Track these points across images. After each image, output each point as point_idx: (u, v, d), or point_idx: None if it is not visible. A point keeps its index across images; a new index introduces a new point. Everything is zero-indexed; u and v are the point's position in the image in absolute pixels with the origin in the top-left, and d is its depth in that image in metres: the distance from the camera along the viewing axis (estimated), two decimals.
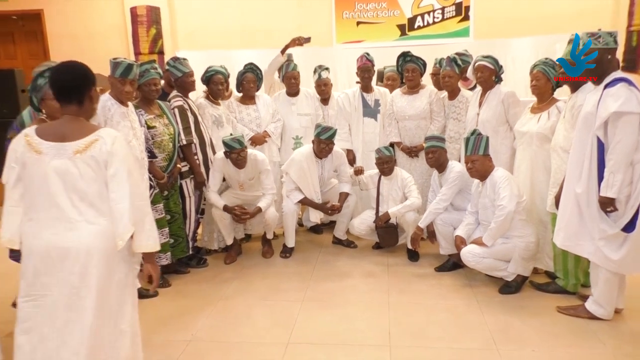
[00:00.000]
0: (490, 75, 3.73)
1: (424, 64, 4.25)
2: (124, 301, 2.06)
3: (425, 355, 2.64)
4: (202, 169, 3.87)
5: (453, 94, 4.11)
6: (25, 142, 1.94)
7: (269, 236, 4.20)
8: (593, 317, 2.90)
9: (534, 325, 2.90)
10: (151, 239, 2.06)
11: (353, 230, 4.22)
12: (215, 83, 4.03)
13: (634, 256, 2.66)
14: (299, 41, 4.59)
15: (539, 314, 3.02)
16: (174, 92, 3.85)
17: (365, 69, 4.35)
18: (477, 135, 3.35)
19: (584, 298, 3.03)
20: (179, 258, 3.77)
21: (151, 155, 3.39)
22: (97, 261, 1.93)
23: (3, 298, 3.15)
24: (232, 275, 3.79)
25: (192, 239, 3.90)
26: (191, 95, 3.95)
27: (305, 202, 4.18)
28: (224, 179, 4.00)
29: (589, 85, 2.88)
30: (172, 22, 7.20)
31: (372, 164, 4.20)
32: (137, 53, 6.86)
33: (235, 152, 3.74)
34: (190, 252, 3.89)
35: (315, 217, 4.28)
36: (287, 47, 4.54)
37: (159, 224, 3.29)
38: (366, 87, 4.44)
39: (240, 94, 4.38)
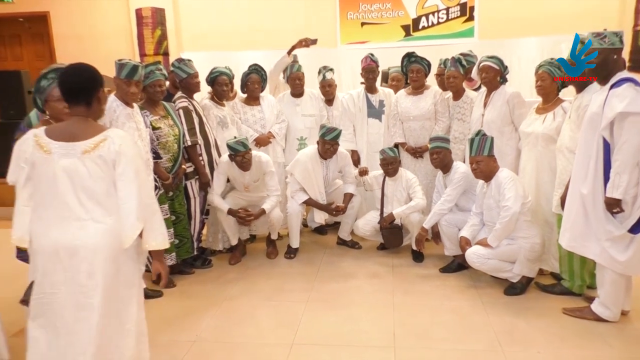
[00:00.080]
0: (495, 75, 3.72)
1: (429, 65, 4.24)
2: (130, 300, 2.08)
3: (430, 356, 2.64)
4: (207, 170, 3.88)
5: (458, 94, 4.11)
6: (34, 142, 1.98)
7: (274, 237, 4.21)
8: (599, 319, 2.89)
9: (539, 326, 2.88)
10: (160, 237, 2.10)
11: (357, 231, 4.22)
12: (219, 84, 4.04)
13: None
14: (306, 42, 4.59)
15: (545, 316, 3.01)
16: (179, 93, 3.86)
17: (369, 70, 4.35)
18: (482, 136, 3.34)
19: (590, 300, 3.02)
20: (184, 259, 3.78)
21: (156, 156, 3.40)
22: (104, 260, 1.95)
23: (9, 298, 3.17)
24: (237, 275, 3.79)
25: (196, 239, 3.91)
26: (196, 96, 3.96)
27: (309, 203, 4.18)
28: (228, 181, 4.00)
29: (595, 85, 2.87)
30: (177, 23, 7.24)
31: (377, 165, 4.19)
32: (142, 54, 6.89)
33: (240, 155, 3.74)
34: (195, 253, 3.90)
35: (320, 217, 4.28)
36: (293, 48, 4.55)
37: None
38: (370, 88, 4.44)
39: (245, 95, 4.39)
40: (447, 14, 6.88)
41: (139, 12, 6.84)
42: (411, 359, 2.62)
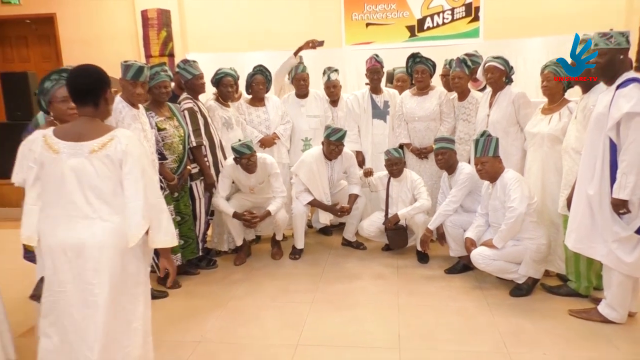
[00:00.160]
0: (501, 76, 3.71)
1: (434, 65, 4.24)
2: (136, 299, 2.10)
3: (435, 357, 2.63)
4: (212, 171, 3.89)
5: (463, 95, 4.10)
6: (43, 142, 2.01)
7: (279, 237, 4.21)
8: (606, 321, 2.87)
9: (545, 328, 2.87)
10: (169, 235, 2.12)
11: (362, 232, 4.21)
12: (224, 85, 4.05)
13: None
14: (313, 44, 4.59)
15: (551, 317, 2.99)
16: (184, 95, 3.87)
17: (374, 71, 4.35)
18: (487, 137, 3.33)
19: (597, 301, 3.00)
20: (189, 259, 3.79)
21: (161, 157, 3.41)
22: (110, 258, 1.98)
23: (16, 299, 3.18)
24: (242, 276, 3.80)
25: (202, 240, 3.92)
26: (201, 97, 3.97)
27: (314, 204, 4.18)
28: (232, 183, 4.01)
29: (601, 85, 2.85)
30: (182, 25, 7.26)
31: (382, 166, 4.19)
32: (148, 56, 6.92)
33: (245, 158, 3.75)
34: (200, 254, 3.91)
35: (325, 218, 4.28)
36: (300, 49, 4.55)
37: None
38: (375, 89, 4.44)
39: (250, 96, 4.40)
40: (452, 14, 6.87)
41: (144, 13, 6.87)
42: None
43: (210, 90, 4.17)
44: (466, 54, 4.14)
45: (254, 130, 4.29)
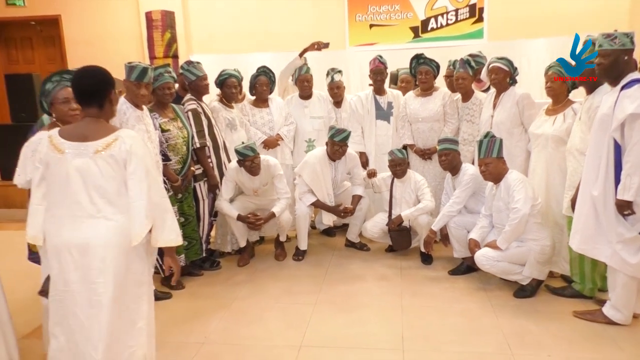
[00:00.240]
0: (505, 77, 3.71)
1: (437, 66, 4.23)
2: (140, 299, 2.11)
3: (439, 358, 2.62)
4: (216, 172, 3.89)
5: (467, 96, 4.09)
6: (49, 142, 2.03)
7: (282, 239, 4.21)
8: (610, 322, 2.86)
9: (549, 329, 2.86)
10: (173, 233, 2.15)
11: (366, 233, 4.21)
12: (228, 86, 4.06)
13: None
14: (318, 46, 4.59)
15: (555, 319, 2.98)
16: (188, 96, 3.88)
17: (377, 72, 4.35)
18: (491, 138, 3.32)
19: (601, 303, 2.99)
20: (193, 260, 3.80)
21: (165, 158, 3.42)
22: (115, 257, 2.00)
23: (21, 299, 3.20)
24: (245, 277, 3.80)
25: (205, 241, 3.92)
26: (205, 98, 3.98)
27: (317, 205, 4.18)
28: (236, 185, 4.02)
29: (605, 86, 2.85)
30: (186, 26, 7.29)
31: (385, 167, 4.19)
32: (152, 57, 6.95)
33: (249, 160, 3.75)
34: (204, 255, 3.92)
35: (328, 219, 4.27)
36: (305, 50, 4.55)
37: None
38: (379, 90, 4.44)
39: (254, 97, 4.40)
40: (456, 15, 6.87)
41: (149, 15, 6.90)
42: None
43: (214, 91, 4.18)
44: (470, 55, 4.13)
45: (257, 132, 4.29)
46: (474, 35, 6.83)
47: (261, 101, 4.37)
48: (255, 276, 3.83)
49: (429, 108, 4.19)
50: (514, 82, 3.77)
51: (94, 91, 2.04)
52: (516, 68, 3.77)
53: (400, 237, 4.05)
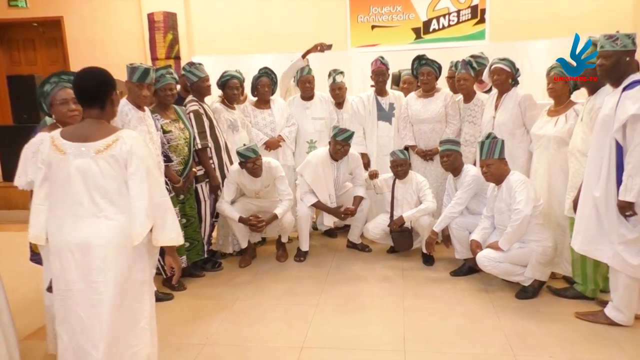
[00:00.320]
0: (507, 78, 3.71)
1: (439, 67, 4.23)
2: (142, 298, 2.12)
3: None
4: (217, 173, 3.90)
5: (468, 97, 4.09)
6: (51, 143, 2.04)
7: (284, 240, 4.21)
8: (612, 323, 2.85)
9: (551, 331, 2.85)
10: (174, 233, 2.15)
11: (367, 234, 4.21)
12: (230, 87, 4.07)
13: None
14: (321, 47, 4.59)
15: (557, 320, 2.98)
16: (190, 97, 3.89)
17: (379, 73, 4.35)
18: (492, 139, 3.32)
19: (603, 304, 2.98)
20: (194, 261, 3.80)
21: (167, 159, 3.43)
22: (116, 256, 2.00)
23: (22, 300, 3.21)
24: (247, 278, 3.80)
25: (207, 242, 3.93)
26: (207, 99, 3.99)
27: (318, 206, 4.18)
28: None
29: (607, 87, 2.85)
30: (188, 27, 7.30)
31: (387, 168, 4.18)
32: (154, 58, 6.96)
33: (251, 161, 3.75)
34: (206, 256, 3.92)
35: (330, 220, 4.27)
36: (308, 52, 4.56)
37: None
38: (380, 91, 4.44)
39: (255, 99, 4.41)
40: (458, 16, 6.87)
41: (150, 16, 6.91)
42: None
43: (216, 92, 4.19)
44: (472, 56, 4.13)
45: (259, 133, 4.30)
46: (476, 37, 6.84)
47: (263, 102, 4.37)
48: (256, 277, 3.83)
49: (430, 109, 4.19)
50: (515, 83, 3.77)
51: (95, 92, 2.05)
52: (518, 69, 3.77)
53: (401, 238, 4.05)
